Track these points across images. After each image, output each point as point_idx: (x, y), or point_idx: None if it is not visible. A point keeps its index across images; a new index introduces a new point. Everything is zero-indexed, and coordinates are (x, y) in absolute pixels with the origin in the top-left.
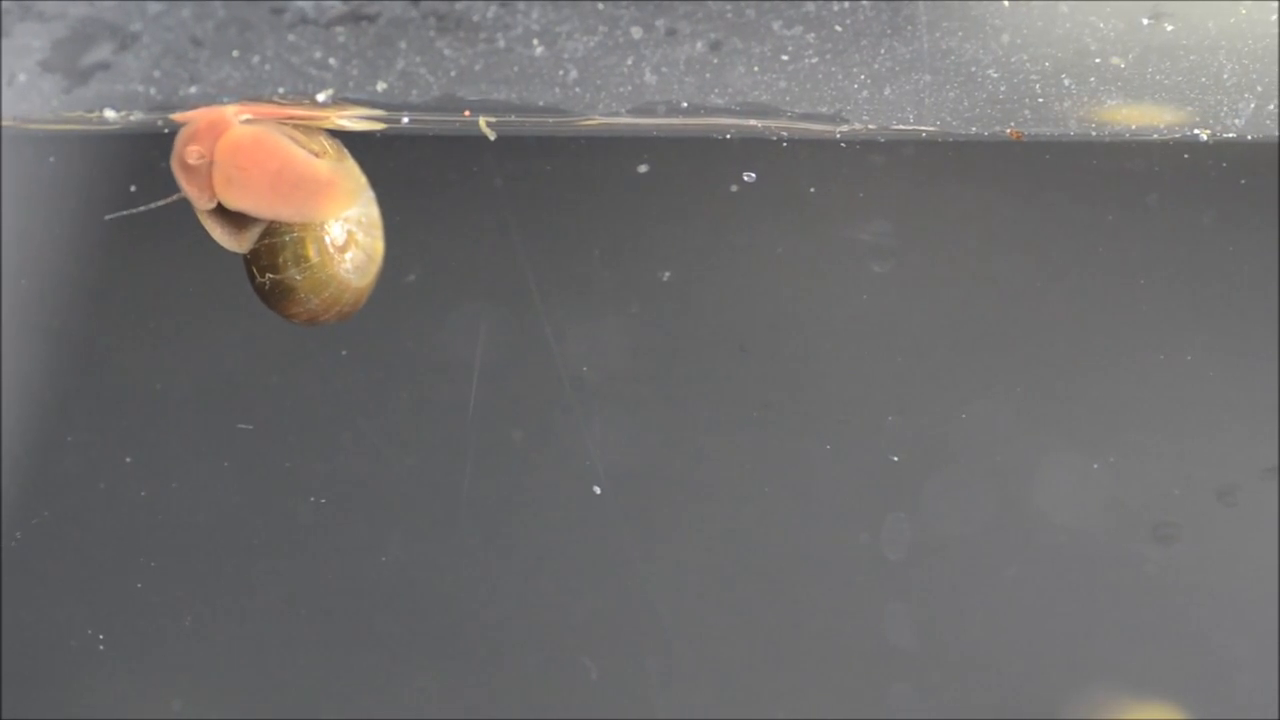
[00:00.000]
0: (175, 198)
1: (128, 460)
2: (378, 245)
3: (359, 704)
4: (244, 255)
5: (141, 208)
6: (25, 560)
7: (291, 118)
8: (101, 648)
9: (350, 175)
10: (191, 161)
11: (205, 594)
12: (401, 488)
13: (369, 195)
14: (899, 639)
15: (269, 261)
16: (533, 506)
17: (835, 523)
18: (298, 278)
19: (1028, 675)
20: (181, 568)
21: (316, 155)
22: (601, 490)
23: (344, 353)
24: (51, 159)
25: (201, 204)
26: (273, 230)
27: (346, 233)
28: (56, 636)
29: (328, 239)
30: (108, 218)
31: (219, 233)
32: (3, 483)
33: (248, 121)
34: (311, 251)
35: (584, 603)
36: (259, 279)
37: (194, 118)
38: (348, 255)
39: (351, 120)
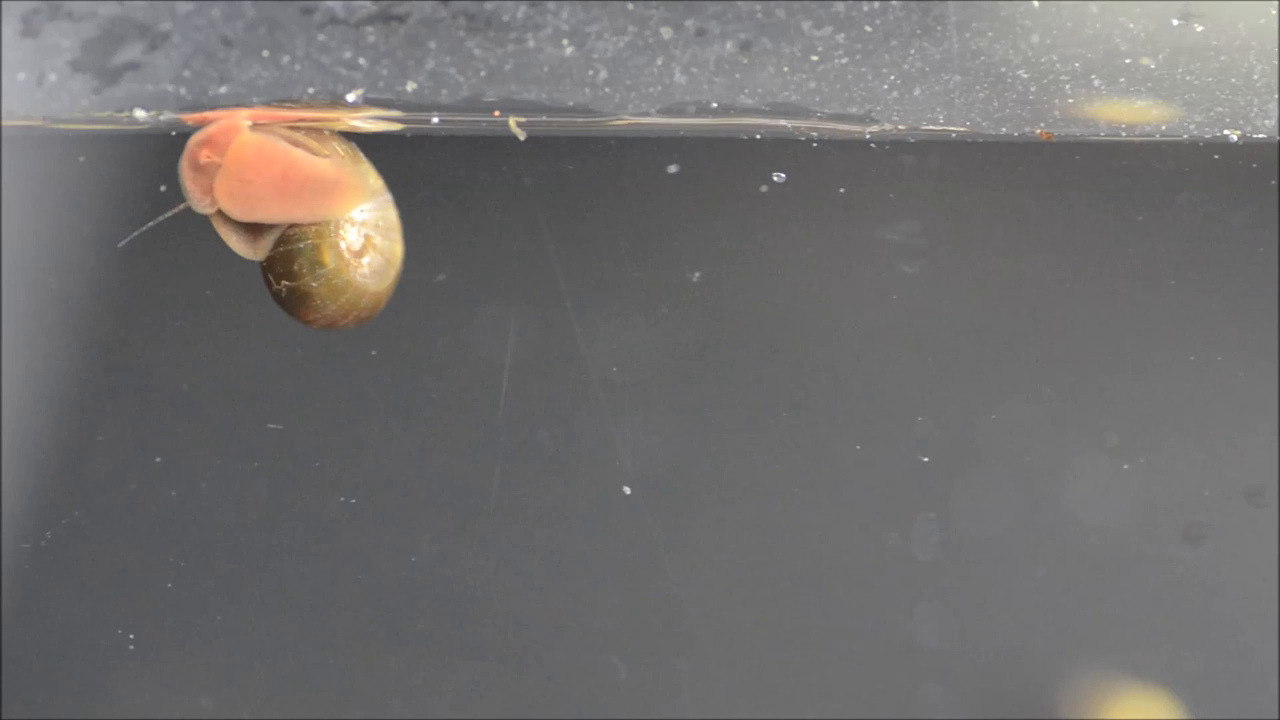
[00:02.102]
0: (180, 208)
1: (157, 460)
2: (396, 249)
3: (388, 703)
4: (260, 263)
5: (148, 225)
6: (56, 560)
7: (303, 121)
8: (132, 647)
9: (357, 173)
10: (202, 161)
11: (234, 593)
12: (431, 488)
13: (386, 198)
14: (928, 639)
15: (285, 269)
16: (562, 506)
17: (864, 523)
18: (314, 284)
19: (1056, 675)
20: (211, 567)
21: (321, 155)
22: (631, 490)
23: (373, 353)
24: (81, 159)
25: (202, 206)
26: (288, 238)
27: (364, 237)
28: (87, 635)
29: (343, 244)
30: (120, 245)
31: (234, 240)
32: (34, 483)
33: (255, 129)
34: (327, 257)
35: (613, 602)
36: (275, 286)
37: (210, 119)
38: (364, 260)
39: (366, 121)
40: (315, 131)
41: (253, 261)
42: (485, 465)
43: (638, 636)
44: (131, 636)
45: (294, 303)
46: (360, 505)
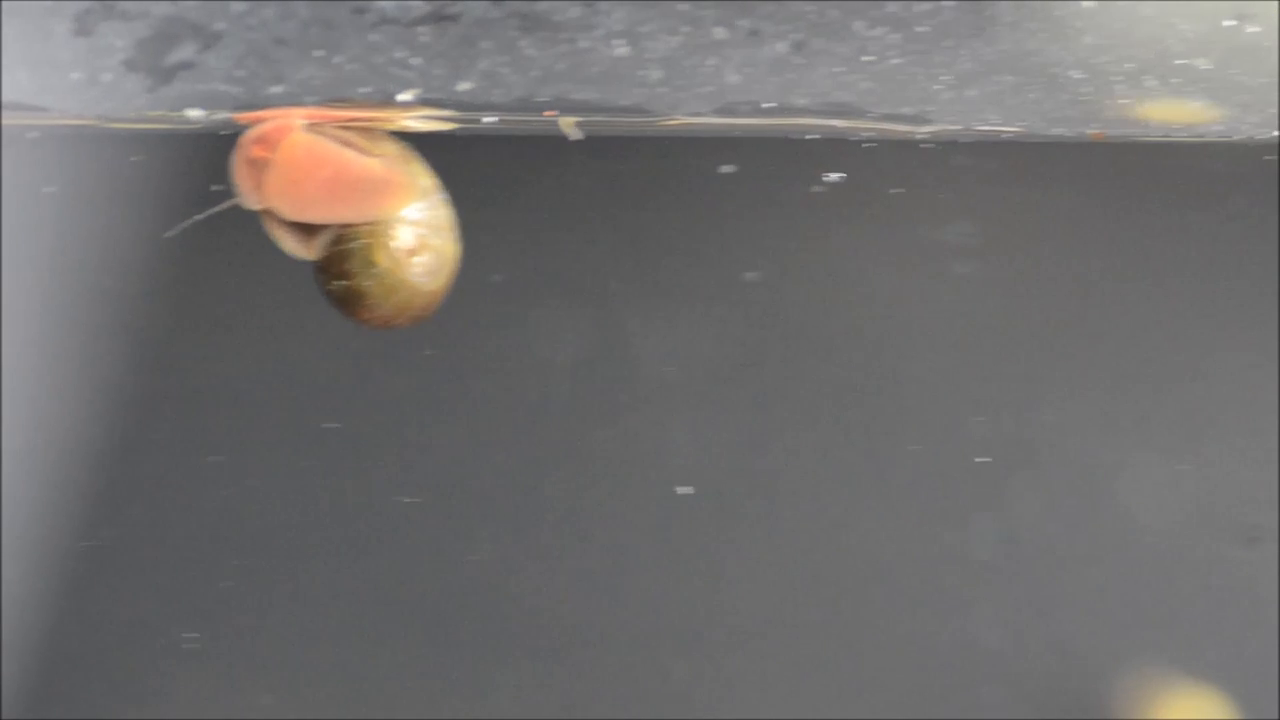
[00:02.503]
0: (230, 203)
1: (215, 460)
2: (449, 247)
3: (445, 701)
4: (314, 262)
5: (197, 217)
6: (114, 559)
7: (354, 121)
8: (190, 645)
9: (407, 172)
10: (254, 157)
11: (292, 592)
12: (487, 487)
13: (439, 197)
14: (985, 638)
15: (338, 268)
16: (617, 506)
17: (921, 523)
18: (367, 284)
19: (1112, 674)
20: (269, 566)
21: (371, 155)
22: (685, 490)
23: (429, 352)
24: (134, 158)
25: (251, 202)
26: (341, 237)
27: (417, 237)
28: (146, 633)
29: (396, 244)
30: (166, 235)
31: (288, 242)
32: (92, 482)
33: (308, 129)
34: (381, 257)
35: (668, 601)
36: (329, 286)
37: (264, 118)
38: (418, 259)
39: (418, 121)
40: (367, 131)
41: (306, 261)
42: (540, 464)
43: (694, 636)
44: (190, 635)
45: (348, 302)
46: (418, 505)
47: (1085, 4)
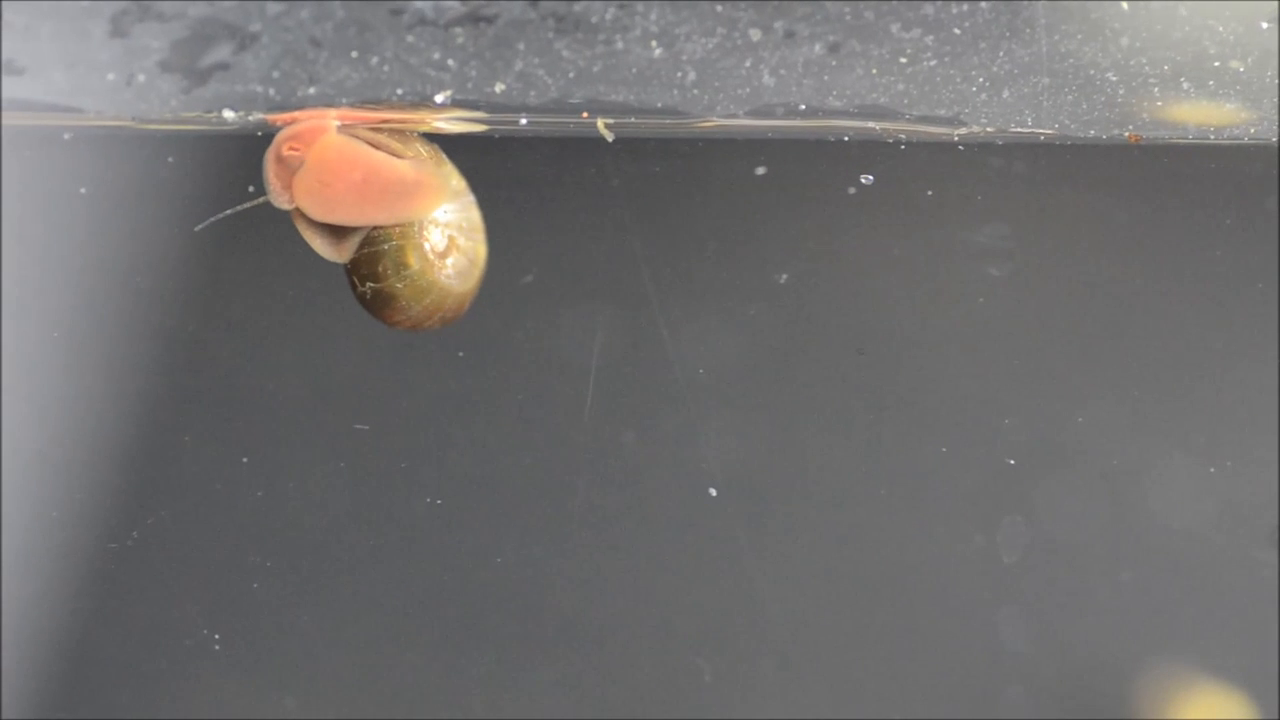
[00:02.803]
0: (260, 200)
1: (244, 461)
2: (480, 249)
3: (472, 705)
4: (344, 265)
5: (226, 212)
6: (142, 560)
7: (387, 122)
8: (217, 647)
9: (439, 174)
10: (285, 154)
11: (320, 594)
12: (517, 489)
13: (469, 199)
14: (1013, 642)
15: (369, 270)
16: (647, 508)
17: (950, 525)
18: (398, 286)
19: (1140, 678)
20: (296, 568)
21: (402, 156)
22: (716, 492)
23: (460, 354)
24: (170, 159)
25: (281, 201)
26: (372, 239)
27: (447, 238)
28: (172, 635)
29: (427, 245)
30: (196, 229)
31: (318, 244)
32: (121, 483)
33: (341, 129)
34: (412, 259)
35: (698, 604)
36: (360, 288)
37: (299, 118)
38: (449, 261)
39: (449, 123)
40: (399, 133)
41: (337, 264)
42: (571, 467)
43: (722, 638)
44: (216, 636)
45: (379, 304)
46: (446, 507)
47: (1123, 5)
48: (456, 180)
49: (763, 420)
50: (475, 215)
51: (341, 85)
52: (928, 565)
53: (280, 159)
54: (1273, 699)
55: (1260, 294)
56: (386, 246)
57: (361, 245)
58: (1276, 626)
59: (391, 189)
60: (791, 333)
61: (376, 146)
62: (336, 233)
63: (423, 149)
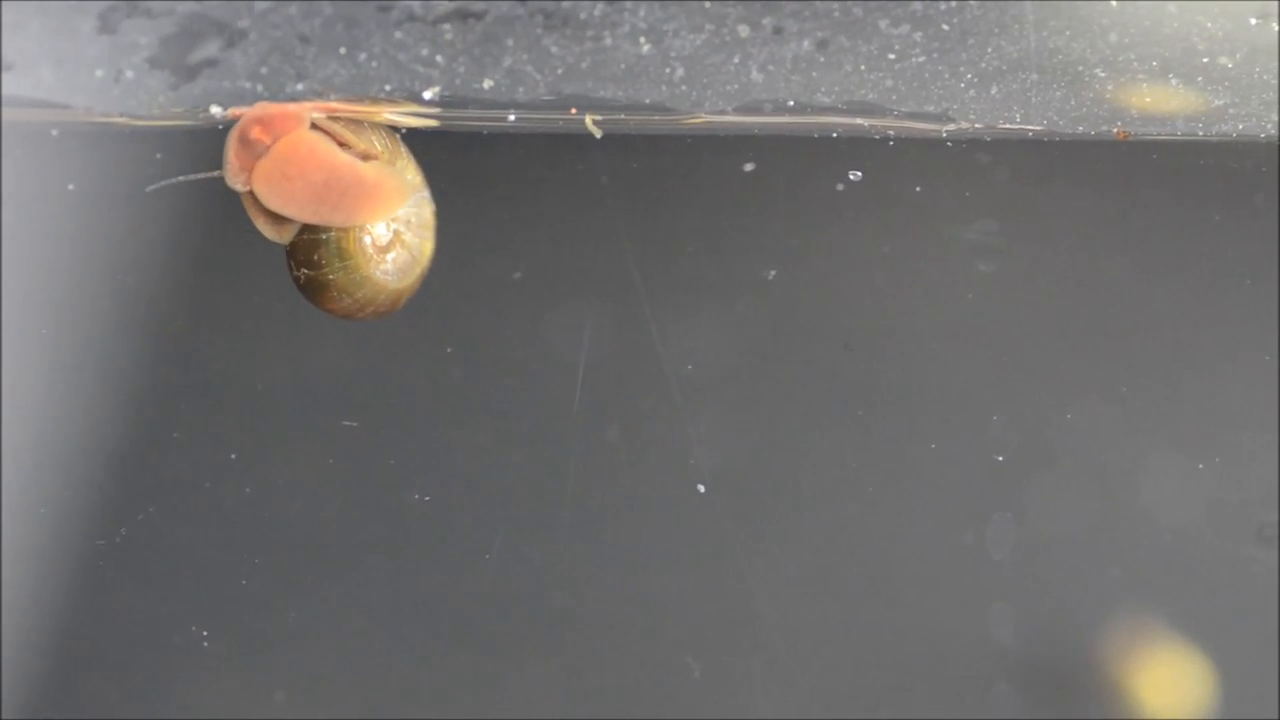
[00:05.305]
0: (214, 174)
1: (232, 457)
2: (426, 246)
3: (461, 700)
4: (284, 247)
5: (178, 179)
6: (130, 557)
7: (343, 113)
8: (205, 643)
9: (398, 176)
10: (251, 138)
11: (309, 590)
12: (506, 485)
13: (424, 194)
14: (1002, 638)
15: (305, 257)
16: (636, 504)
17: (939, 522)
18: (331, 276)
19: (1129, 674)
20: (285, 564)
21: (366, 156)
22: (705, 488)
23: (449, 350)
24: (158, 155)
25: (236, 182)
26: (315, 226)
27: (393, 232)
28: (161, 631)
29: (369, 239)
30: (149, 189)
31: (261, 222)
32: (108, 480)
33: (312, 127)
34: (350, 250)
35: (687, 601)
36: (295, 272)
37: (271, 107)
38: (389, 256)
39: (402, 116)
40: (354, 123)
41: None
42: (559, 463)
43: (711, 635)
44: (205, 632)
45: (312, 291)
46: (434, 503)
47: (1111, 2)
48: (413, 174)
49: (751, 416)
50: (427, 212)
51: (330, 81)
52: (916, 562)
53: (245, 141)
54: (1263, 693)
55: (1249, 290)
56: (326, 235)
57: (302, 230)
58: (1262, 622)
59: (350, 192)
60: (779, 328)
61: (342, 143)
62: (281, 215)
63: (378, 141)
